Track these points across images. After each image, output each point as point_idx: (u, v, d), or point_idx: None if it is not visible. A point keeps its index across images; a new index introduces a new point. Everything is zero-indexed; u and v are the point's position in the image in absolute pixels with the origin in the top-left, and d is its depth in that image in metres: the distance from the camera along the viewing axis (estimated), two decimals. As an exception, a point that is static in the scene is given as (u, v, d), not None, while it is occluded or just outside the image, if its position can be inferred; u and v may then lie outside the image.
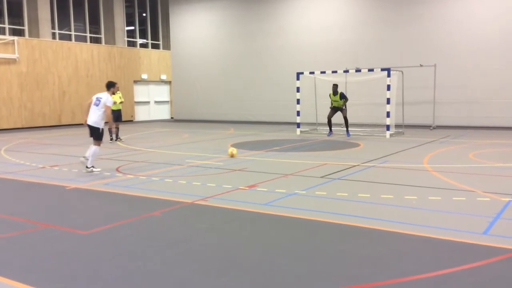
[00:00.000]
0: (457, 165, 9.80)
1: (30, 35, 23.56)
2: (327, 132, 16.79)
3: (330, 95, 16.52)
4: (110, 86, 10.26)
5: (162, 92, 30.43)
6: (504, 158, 10.86)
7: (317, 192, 7.37)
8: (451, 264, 4.31)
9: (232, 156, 11.39)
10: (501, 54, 18.52)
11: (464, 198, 6.82)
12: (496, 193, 7.09)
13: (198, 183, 8.25)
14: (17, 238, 5.41)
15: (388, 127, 15.99)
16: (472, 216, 5.93)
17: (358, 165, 9.98)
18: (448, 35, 19.54)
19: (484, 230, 5.32)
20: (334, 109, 16.51)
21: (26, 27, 23.65)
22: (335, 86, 16.34)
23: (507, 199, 6.68)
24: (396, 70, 17.12)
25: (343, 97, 16.20)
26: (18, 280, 4.14)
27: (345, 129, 16.41)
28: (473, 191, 7.27)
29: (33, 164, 10.88)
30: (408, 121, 18.57)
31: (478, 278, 4.05)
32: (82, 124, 24.12)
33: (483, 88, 18.94)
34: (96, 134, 9.72)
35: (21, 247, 5.08)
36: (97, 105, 9.77)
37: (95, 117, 9.70)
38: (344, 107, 16.27)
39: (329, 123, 16.67)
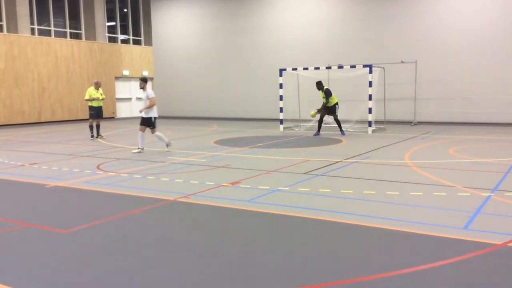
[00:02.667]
0: (438, 161, 9.91)
1: (8, 31, 23.10)
2: (315, 131, 15.88)
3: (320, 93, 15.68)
4: (144, 81, 12.08)
5: (144, 89, 30.11)
6: (484, 154, 11.02)
7: (300, 188, 7.38)
8: (432, 258, 4.35)
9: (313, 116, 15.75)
10: (481, 50, 18.78)
11: (444, 193, 6.89)
12: (476, 188, 7.19)
13: (181, 180, 8.20)
14: (-6, 238, 5.30)
15: (370, 123, 16.09)
16: (452, 211, 6.00)
17: (340, 161, 10.02)
18: (429, 31, 19.73)
19: (465, 225, 5.38)
20: (325, 109, 15.58)
21: (4, 22, 23.18)
22: (318, 84, 15.64)
23: (487, 194, 6.77)
24: (378, 67, 17.24)
25: (328, 93, 15.39)
26: (-4, 280, 4.06)
27: (338, 128, 15.68)
28: (453, 186, 7.35)
29: (12, 162, 10.68)
30: (390, 117, 18.72)
31: (459, 272, 4.09)
32: (62, 121, 23.61)
33: (463, 84, 19.18)
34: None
35: (-1, 247, 4.98)
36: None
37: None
38: (334, 108, 15.39)
39: (320, 122, 15.74)
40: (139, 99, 29.67)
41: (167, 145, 11.93)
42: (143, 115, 11.93)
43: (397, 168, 9.22)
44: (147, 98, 11.86)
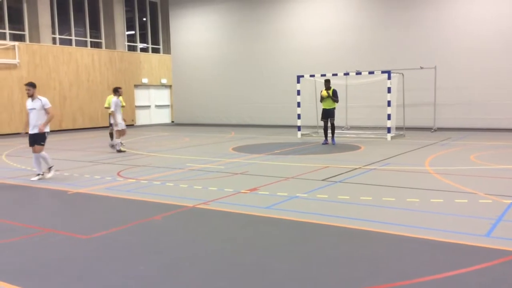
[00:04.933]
0: (459, 167, 9.78)
1: (30, 40, 23.61)
2: (323, 140, 15.25)
3: (321, 91, 15.05)
4: (32, 87, 9.36)
5: (162, 96, 30.46)
6: (505, 160, 10.84)
7: (318, 195, 7.36)
8: (453, 266, 4.30)
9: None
10: (500, 55, 18.52)
11: (466, 200, 6.80)
12: (498, 195, 7.08)
13: (200, 187, 8.25)
14: (18, 243, 5.40)
15: (389, 130, 15.97)
16: (474, 218, 5.92)
17: (359, 167, 9.97)
18: (448, 37, 19.55)
19: (487, 232, 5.30)
20: (324, 114, 14.94)
21: (26, 32, 23.70)
22: (327, 82, 14.91)
23: (509, 201, 6.66)
24: (397, 73, 17.13)
25: (335, 94, 14.70)
26: (18, 284, 4.13)
27: (331, 134, 14.97)
28: (475, 193, 7.25)
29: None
30: (409, 123, 18.55)
31: (481, 280, 4.03)
32: (83, 129, 23.90)
33: (483, 90, 18.94)
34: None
35: (22, 252, 5.07)
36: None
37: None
38: (333, 112, 14.78)
39: (325, 130, 15.10)
40: (158, 106, 29.98)
41: (38, 174, 9.42)
42: (32, 130, 9.25)
43: (417, 175, 9.13)
44: (43, 108, 9.18)
